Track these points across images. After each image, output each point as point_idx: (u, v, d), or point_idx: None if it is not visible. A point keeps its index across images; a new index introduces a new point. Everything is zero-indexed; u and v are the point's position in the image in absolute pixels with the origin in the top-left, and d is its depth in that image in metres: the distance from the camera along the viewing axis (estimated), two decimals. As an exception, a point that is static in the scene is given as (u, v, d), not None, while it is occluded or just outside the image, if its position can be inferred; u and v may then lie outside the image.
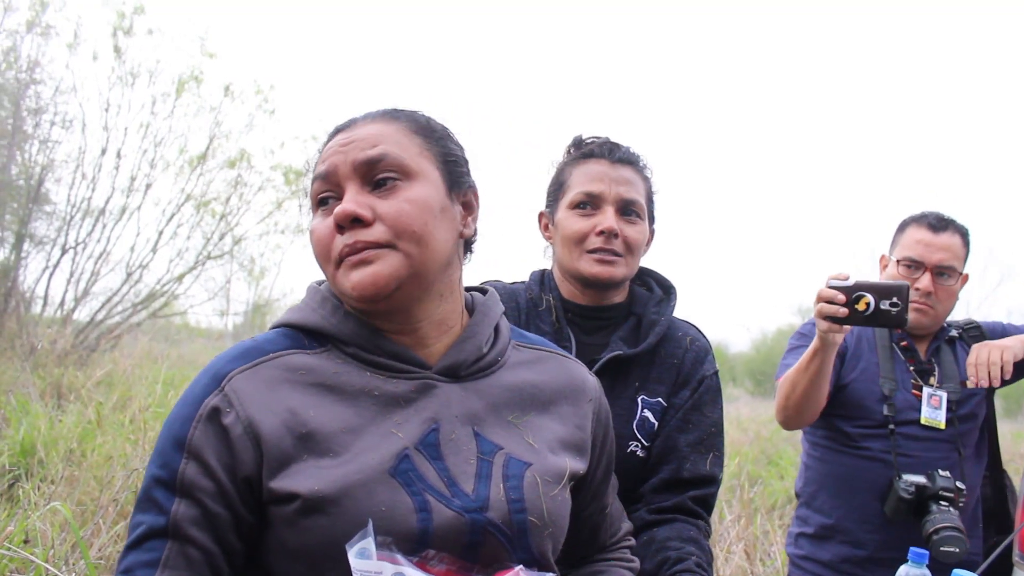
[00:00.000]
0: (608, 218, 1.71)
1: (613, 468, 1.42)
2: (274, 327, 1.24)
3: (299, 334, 1.21)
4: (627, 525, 1.49)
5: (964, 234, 2.41)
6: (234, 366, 1.14)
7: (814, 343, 2.10)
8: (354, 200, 1.14)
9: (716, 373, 1.79)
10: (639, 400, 1.71)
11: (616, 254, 1.72)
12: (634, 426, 1.69)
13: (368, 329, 1.19)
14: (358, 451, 1.10)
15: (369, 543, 1.00)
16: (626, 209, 1.74)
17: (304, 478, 1.07)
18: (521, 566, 1.13)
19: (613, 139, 1.81)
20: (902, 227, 2.47)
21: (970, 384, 2.28)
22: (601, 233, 1.71)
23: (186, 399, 1.13)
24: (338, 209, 1.13)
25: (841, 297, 1.98)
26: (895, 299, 1.96)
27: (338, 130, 1.23)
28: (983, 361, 2.26)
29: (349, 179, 1.16)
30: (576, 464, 1.26)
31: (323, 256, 1.17)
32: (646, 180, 1.80)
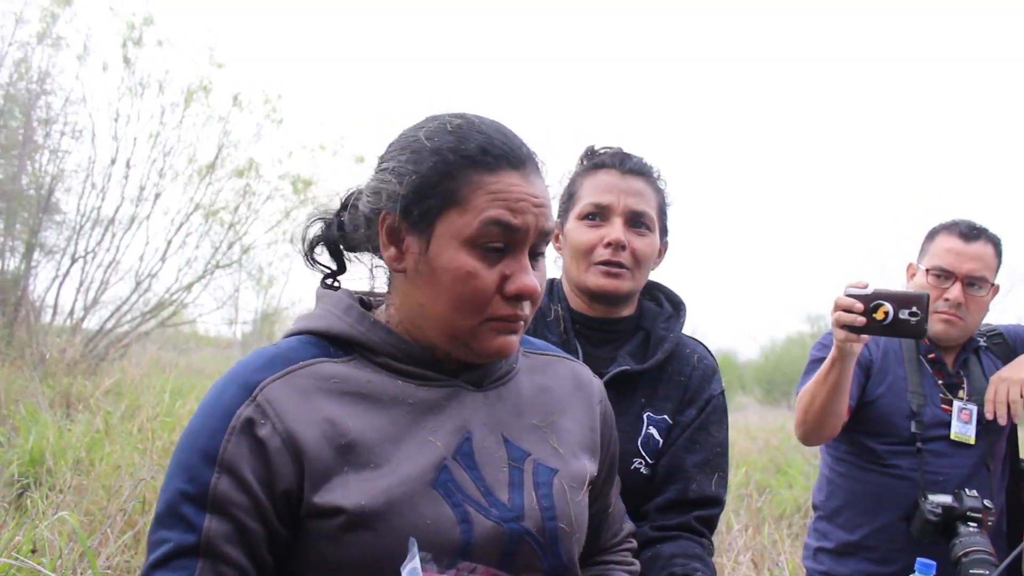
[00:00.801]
0: (616, 230, 1.69)
1: (616, 469, 1.43)
2: (293, 334, 1.21)
3: (323, 342, 1.18)
4: (629, 526, 1.50)
5: (996, 244, 2.35)
6: (264, 375, 1.10)
7: (832, 353, 2.04)
8: (532, 275, 1.15)
9: (723, 393, 1.76)
10: (644, 417, 1.69)
11: (623, 267, 1.70)
12: (639, 443, 1.68)
13: (396, 338, 1.18)
14: (398, 462, 1.09)
15: (417, 563, 0.99)
16: (635, 221, 1.71)
17: (348, 492, 1.05)
18: None
19: (625, 150, 1.78)
20: (932, 235, 2.40)
21: (988, 417, 2.26)
22: (609, 245, 1.69)
23: (212, 410, 1.08)
24: (530, 285, 1.13)
25: (859, 306, 1.92)
26: (915, 308, 1.89)
27: (512, 164, 1.14)
28: (1002, 399, 2.23)
29: (526, 244, 1.15)
30: (592, 467, 1.28)
31: (474, 304, 1.13)
32: (658, 192, 1.77)
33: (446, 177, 1.13)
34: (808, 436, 2.24)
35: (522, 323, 1.17)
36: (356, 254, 1.29)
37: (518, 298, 1.14)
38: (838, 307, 1.95)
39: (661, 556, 1.56)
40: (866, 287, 1.94)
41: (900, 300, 1.91)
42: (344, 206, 1.28)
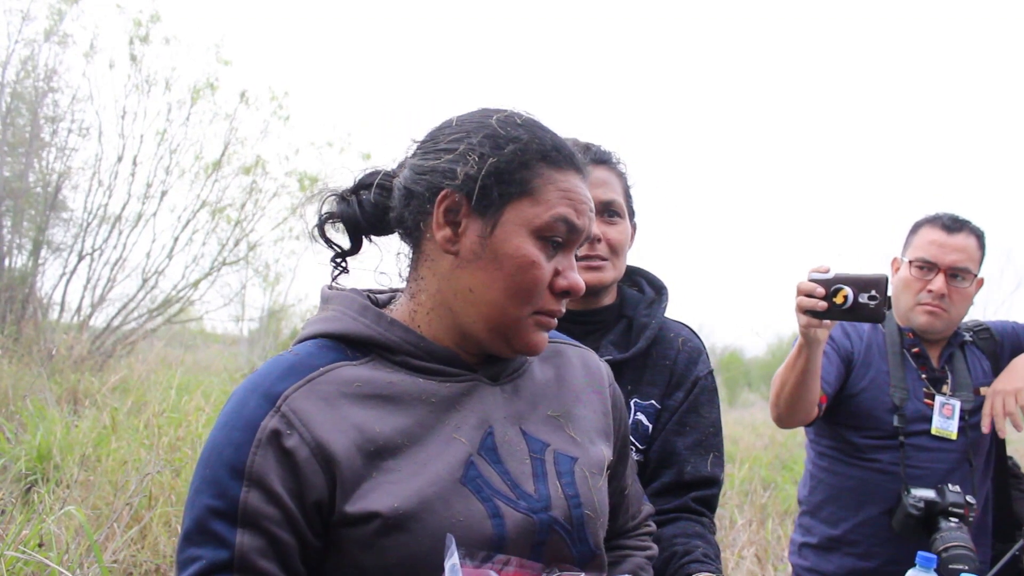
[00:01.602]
0: None
1: (628, 449, 1.44)
2: (307, 338, 1.19)
3: (340, 344, 1.17)
4: (648, 508, 1.51)
5: (980, 236, 2.34)
6: (286, 384, 1.08)
7: (798, 340, 2.02)
8: (578, 274, 1.19)
9: (711, 373, 1.76)
10: (632, 404, 1.70)
11: (602, 259, 1.71)
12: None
13: (414, 335, 1.18)
14: (425, 461, 1.09)
15: (456, 559, 0.99)
16: (605, 210, 1.73)
17: (380, 496, 1.05)
18: (583, 574, 1.16)
19: (582, 140, 1.77)
20: (915, 228, 2.40)
21: (985, 431, 2.25)
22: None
23: (235, 422, 1.07)
24: (578, 282, 1.17)
25: (820, 290, 1.88)
26: (873, 292, 1.85)
27: (575, 167, 1.19)
28: (999, 411, 2.22)
29: (577, 244, 1.20)
30: (608, 451, 1.30)
31: (529, 293, 1.15)
32: (621, 176, 1.78)
33: (523, 167, 1.15)
34: (781, 419, 2.24)
35: (556, 321, 1.20)
36: (370, 238, 1.27)
37: (565, 294, 1.17)
38: (800, 292, 1.92)
39: (662, 539, 1.57)
40: (828, 271, 1.91)
41: (859, 284, 1.87)
42: (365, 185, 1.25)
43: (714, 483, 1.68)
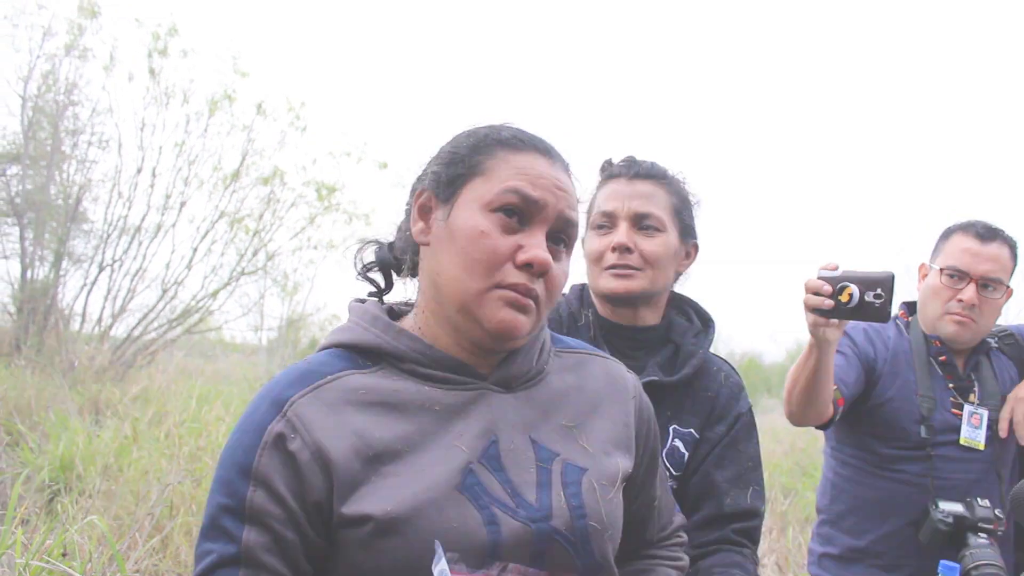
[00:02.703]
0: (620, 234, 1.71)
1: (658, 462, 1.43)
2: (323, 348, 1.25)
3: (352, 354, 1.21)
4: (679, 519, 1.50)
5: (1013, 245, 2.29)
6: (294, 391, 1.14)
7: (809, 340, 1.95)
8: (545, 251, 1.17)
9: (751, 409, 1.76)
10: (670, 429, 1.71)
11: (633, 268, 1.71)
12: (663, 455, 1.68)
13: (423, 344, 1.21)
14: (423, 467, 1.12)
15: (444, 564, 1.03)
16: (641, 223, 1.73)
17: (375, 500, 1.08)
18: None
19: (637, 157, 1.80)
20: (946, 234, 2.34)
21: (1003, 436, 2.22)
22: (615, 249, 1.71)
23: (246, 426, 1.13)
24: (541, 256, 1.15)
25: (827, 288, 1.82)
26: (879, 290, 1.78)
27: (539, 150, 1.21)
28: (1020, 420, 2.19)
29: (545, 224, 1.18)
30: (626, 463, 1.29)
31: (484, 264, 1.15)
32: (672, 193, 1.77)
33: (476, 152, 1.20)
34: (794, 416, 2.17)
35: (532, 302, 1.17)
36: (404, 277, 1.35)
37: (528, 267, 1.16)
38: (807, 290, 1.86)
39: (700, 571, 1.58)
40: (836, 268, 1.85)
41: (865, 282, 1.80)
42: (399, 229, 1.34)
43: (755, 515, 1.67)
